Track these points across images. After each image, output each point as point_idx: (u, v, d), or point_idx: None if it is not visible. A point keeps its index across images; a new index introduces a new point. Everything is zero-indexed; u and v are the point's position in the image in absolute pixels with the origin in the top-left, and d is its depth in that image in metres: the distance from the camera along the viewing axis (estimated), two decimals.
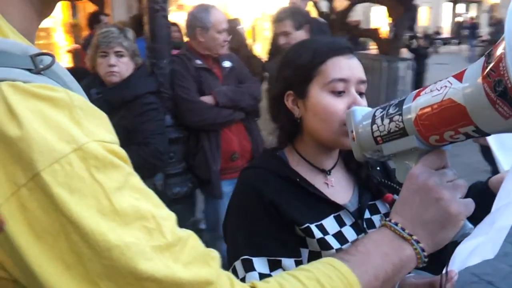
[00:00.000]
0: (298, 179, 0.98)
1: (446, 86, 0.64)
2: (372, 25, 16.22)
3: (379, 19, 18.38)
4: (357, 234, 0.97)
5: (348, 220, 0.98)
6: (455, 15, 25.52)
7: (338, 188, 1.04)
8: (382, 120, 0.74)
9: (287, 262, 0.90)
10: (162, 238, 0.50)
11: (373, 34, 8.83)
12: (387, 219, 0.69)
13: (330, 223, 0.95)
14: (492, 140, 1.10)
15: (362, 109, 0.86)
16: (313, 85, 0.98)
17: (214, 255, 0.56)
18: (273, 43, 4.31)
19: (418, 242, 0.65)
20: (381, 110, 0.76)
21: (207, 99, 2.45)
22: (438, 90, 0.65)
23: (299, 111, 1.01)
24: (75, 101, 0.50)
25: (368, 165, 1.06)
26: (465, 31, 20.45)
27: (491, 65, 0.55)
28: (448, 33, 25.10)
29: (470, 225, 0.68)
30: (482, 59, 0.59)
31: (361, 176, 1.06)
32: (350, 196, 1.04)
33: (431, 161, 0.68)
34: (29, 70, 0.50)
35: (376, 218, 1.02)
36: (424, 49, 9.50)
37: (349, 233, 0.96)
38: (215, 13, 2.50)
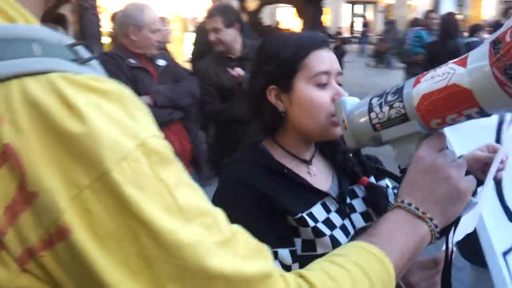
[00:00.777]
0: (285, 170, 1.00)
1: (449, 72, 0.69)
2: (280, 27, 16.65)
3: (285, 20, 18.98)
4: (342, 219, 1.01)
5: (332, 206, 1.02)
6: (353, 15, 27.14)
7: (320, 176, 1.08)
8: (381, 107, 0.78)
9: (283, 252, 0.92)
10: (221, 234, 0.49)
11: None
12: (399, 200, 0.72)
13: (318, 210, 0.99)
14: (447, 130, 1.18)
15: (351, 99, 0.90)
16: (297, 79, 1.00)
17: (265, 247, 0.55)
18: (198, 42, 4.29)
19: (431, 219, 0.69)
20: (377, 98, 0.80)
21: (145, 99, 2.37)
22: (441, 76, 0.70)
23: (283, 105, 1.02)
24: (124, 93, 0.47)
25: (343, 151, 1.11)
26: (359, 30, 21.82)
27: (501, 50, 0.61)
28: (348, 33, 26.58)
29: (474, 200, 0.74)
30: (486, 45, 0.64)
31: (337, 161, 1.10)
32: (331, 183, 1.08)
33: (434, 143, 0.73)
34: (73, 60, 0.46)
35: (355, 202, 1.07)
36: (341, 48, 10.04)
37: (336, 218, 1.00)
38: (149, 12, 2.44)
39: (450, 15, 6.13)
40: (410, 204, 0.71)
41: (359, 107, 0.84)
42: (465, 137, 1.15)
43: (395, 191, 1.14)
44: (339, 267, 0.60)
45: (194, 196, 0.49)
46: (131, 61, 2.42)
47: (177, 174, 0.48)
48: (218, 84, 2.73)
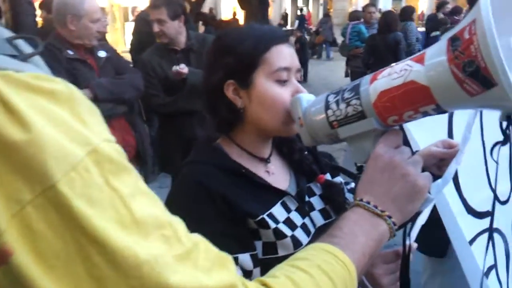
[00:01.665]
0: (243, 170, 0.96)
1: (406, 69, 0.69)
2: (222, 17, 16.56)
3: (228, 11, 18.88)
4: (302, 218, 0.99)
5: (292, 205, 0.99)
6: (296, 8, 27.46)
7: (278, 175, 1.05)
8: (338, 104, 0.77)
9: (244, 257, 0.88)
10: (181, 246, 0.46)
11: (230, 25, 9.04)
12: (358, 198, 0.72)
13: (278, 210, 0.96)
14: (410, 125, 1.18)
15: (307, 96, 0.88)
16: (257, 74, 0.96)
17: (227, 256, 0.53)
18: (138, 32, 4.15)
19: (390, 217, 0.69)
20: (334, 95, 0.79)
21: (84, 93, 2.24)
22: (398, 73, 0.70)
23: (241, 101, 0.98)
24: (73, 93, 0.42)
25: (300, 149, 1.09)
26: (296, 22, 22.22)
27: (459, 47, 0.61)
28: (291, 25, 26.90)
29: (431, 196, 0.74)
30: (444, 42, 0.64)
31: (294, 160, 1.08)
32: (289, 181, 1.06)
33: (391, 140, 0.73)
34: (13, 56, 0.40)
35: (313, 200, 1.06)
36: (303, 39, 10.26)
37: (296, 218, 0.98)
38: (89, 1, 2.30)
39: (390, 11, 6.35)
40: (369, 203, 0.70)
41: (315, 104, 0.82)
42: (421, 132, 1.17)
43: (348, 187, 1.14)
44: (303, 272, 0.58)
45: (151, 206, 0.45)
46: (69, 52, 2.28)
47: (132, 182, 0.44)
48: (162, 76, 2.65)
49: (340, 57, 8.96)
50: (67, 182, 0.37)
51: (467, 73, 0.60)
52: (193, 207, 0.90)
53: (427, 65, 0.66)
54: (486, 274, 1.33)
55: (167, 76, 2.62)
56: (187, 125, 2.58)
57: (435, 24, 7.59)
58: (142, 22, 3.99)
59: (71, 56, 2.28)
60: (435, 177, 0.96)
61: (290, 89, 0.96)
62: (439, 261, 2.09)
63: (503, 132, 0.67)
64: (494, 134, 1.45)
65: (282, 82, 0.96)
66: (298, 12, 23.55)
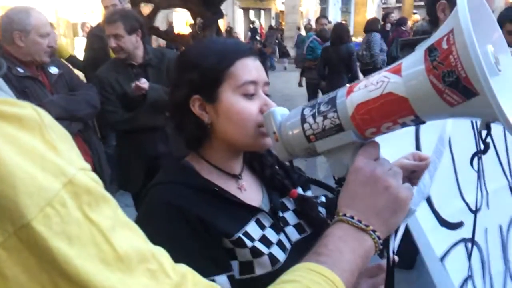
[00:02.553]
0: (216, 189, 0.93)
1: (383, 81, 0.68)
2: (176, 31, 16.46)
3: (181, 25, 18.77)
4: (277, 234, 0.97)
5: (267, 222, 0.97)
6: (249, 21, 27.72)
7: (250, 191, 1.03)
8: (314, 118, 0.75)
9: (221, 279, 0.85)
10: (168, 280, 0.43)
11: (184, 39, 8.96)
12: (341, 213, 0.70)
13: (253, 228, 0.93)
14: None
15: (281, 110, 0.86)
16: (223, 89, 0.93)
17: (216, 285, 0.49)
18: (91, 48, 4.03)
19: (374, 231, 0.68)
20: (310, 108, 0.77)
21: None
22: (375, 85, 0.69)
23: (208, 117, 0.95)
24: (44, 118, 0.38)
25: (271, 164, 1.07)
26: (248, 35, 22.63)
27: (438, 58, 0.60)
28: (244, 38, 27.15)
29: (413, 208, 0.73)
30: (421, 53, 0.64)
31: (266, 176, 1.06)
32: (261, 197, 1.04)
33: (370, 152, 0.72)
34: None
35: (287, 215, 1.04)
36: (263, 50, 10.38)
37: (271, 234, 0.96)
38: (36, 15, 2.20)
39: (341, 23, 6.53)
40: (352, 217, 0.69)
41: (290, 118, 0.80)
42: (389, 145, 1.17)
43: (318, 201, 1.13)
44: None
45: (132, 238, 0.42)
46: (19, 70, 2.17)
47: (111, 213, 0.40)
48: (120, 92, 2.58)
49: (294, 68, 9.12)
50: (42, 220, 0.34)
51: (447, 83, 0.60)
52: (166, 230, 0.86)
53: (405, 76, 0.65)
54: (461, 286, 1.35)
55: (126, 92, 2.55)
56: (149, 142, 2.51)
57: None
58: (95, 38, 3.89)
59: (21, 74, 2.17)
60: None
61: (258, 102, 0.95)
62: (406, 272, 2.12)
63: (483, 141, 0.68)
64: (463, 144, 1.50)
65: (249, 96, 0.94)
66: (251, 25, 23.96)
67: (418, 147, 1.26)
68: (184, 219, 0.85)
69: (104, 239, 0.38)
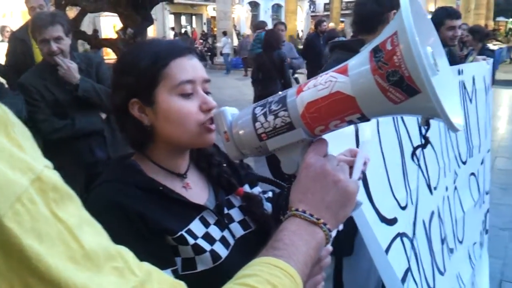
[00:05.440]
0: (160, 187, 0.94)
1: (331, 81, 0.72)
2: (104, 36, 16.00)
3: (108, 29, 18.25)
4: (222, 231, 1.00)
5: (211, 219, 0.99)
6: (180, 26, 27.45)
7: (196, 189, 1.04)
8: (266, 116, 0.78)
9: (166, 274, 0.85)
10: (134, 277, 0.43)
11: (113, 44, 8.69)
12: (294, 208, 0.73)
13: (197, 226, 0.96)
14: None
15: (231, 109, 0.87)
16: (160, 90, 0.94)
17: (181, 282, 0.50)
18: (13, 53, 3.81)
19: (325, 224, 0.71)
20: (261, 107, 0.79)
21: None
22: (323, 85, 0.73)
23: (148, 119, 0.96)
24: (8, 115, 0.37)
25: (218, 163, 1.09)
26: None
27: (382, 58, 0.65)
28: None
29: (359, 201, 0.78)
30: (366, 54, 0.69)
31: (213, 174, 1.08)
32: (207, 195, 1.06)
33: (319, 149, 0.76)
34: None
35: (232, 212, 1.06)
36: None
37: (215, 231, 0.99)
38: None
39: (273, 30, 6.70)
40: (304, 212, 0.72)
41: (241, 117, 0.82)
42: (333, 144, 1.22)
43: (265, 196, 1.16)
44: None
45: (98, 236, 0.42)
46: None
47: (77, 211, 0.40)
48: (50, 99, 2.46)
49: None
50: (13, 216, 0.33)
51: (391, 82, 0.65)
52: (109, 227, 0.85)
53: (351, 76, 0.70)
54: (404, 278, 1.43)
55: (57, 99, 2.44)
56: (86, 149, 2.41)
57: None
58: (18, 42, 3.68)
59: None
60: None
61: (197, 101, 0.96)
62: (345, 259, 2.20)
63: (424, 136, 0.73)
64: (391, 145, 1.59)
65: (187, 95, 0.95)
66: (173, 31, 24.01)
67: (357, 144, 1.33)
68: (127, 217, 0.86)
69: (72, 237, 0.38)
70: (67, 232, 0.37)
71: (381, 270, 1.41)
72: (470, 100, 2.64)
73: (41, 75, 2.53)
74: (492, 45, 17.45)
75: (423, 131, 0.73)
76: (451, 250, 2.17)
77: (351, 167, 1.05)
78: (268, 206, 1.14)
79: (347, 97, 0.70)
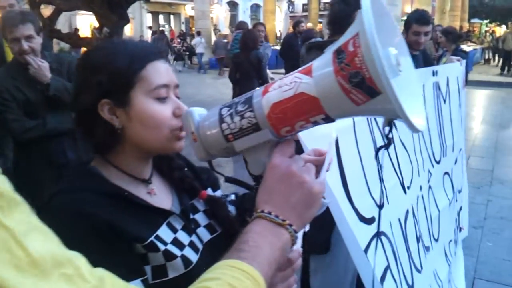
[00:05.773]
0: (126, 193, 0.92)
1: (295, 82, 0.72)
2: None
3: (85, 28, 17.96)
4: (189, 236, 0.98)
5: (178, 225, 0.98)
6: (158, 25, 27.20)
7: (160, 194, 1.02)
8: (232, 117, 0.77)
9: (135, 284, 0.83)
10: (85, 284, 0.42)
11: (89, 43, 8.56)
12: (259, 210, 0.72)
13: (165, 232, 0.94)
14: (301, 134, 1.22)
15: (199, 110, 0.87)
16: (135, 92, 0.92)
17: (134, 286, 0.49)
18: None
19: (291, 225, 0.71)
20: (227, 108, 0.79)
21: None
22: (288, 85, 0.73)
23: (119, 121, 0.92)
24: None
25: (180, 166, 1.08)
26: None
27: (344, 60, 0.65)
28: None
29: (325, 201, 0.78)
30: (329, 55, 0.69)
31: (175, 178, 1.07)
32: (172, 200, 1.04)
33: (285, 150, 0.76)
34: None
35: (198, 217, 1.05)
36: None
37: (183, 237, 0.97)
38: None
39: (250, 30, 6.71)
40: (270, 213, 0.71)
41: (208, 118, 0.82)
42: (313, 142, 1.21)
43: (228, 199, 1.16)
44: None
45: (47, 242, 0.41)
46: None
47: (24, 217, 0.39)
48: (21, 99, 2.41)
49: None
50: None
51: (353, 84, 0.65)
52: (75, 240, 0.81)
53: (315, 77, 0.70)
54: (383, 276, 1.44)
55: (28, 98, 2.39)
56: (58, 149, 2.37)
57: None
58: None
59: None
60: None
61: (171, 106, 0.95)
62: (321, 257, 2.21)
63: (386, 136, 0.74)
64: (367, 144, 1.60)
65: (162, 100, 0.93)
66: (150, 29, 23.88)
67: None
68: (93, 228, 0.82)
69: (17, 244, 0.37)
70: (12, 240, 0.37)
71: (360, 268, 1.42)
72: (444, 101, 2.69)
73: (12, 74, 2.48)
74: (467, 47, 17.84)
75: (386, 132, 0.73)
76: (427, 248, 2.20)
77: (316, 167, 1.06)
78: (231, 209, 1.14)
79: (311, 98, 0.70)
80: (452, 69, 2.98)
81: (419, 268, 1.99)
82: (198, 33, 19.16)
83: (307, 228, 0.96)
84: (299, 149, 1.13)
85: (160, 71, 0.95)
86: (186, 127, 0.84)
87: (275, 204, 0.72)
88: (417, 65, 2.58)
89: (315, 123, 0.74)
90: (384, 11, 0.72)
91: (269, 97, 0.74)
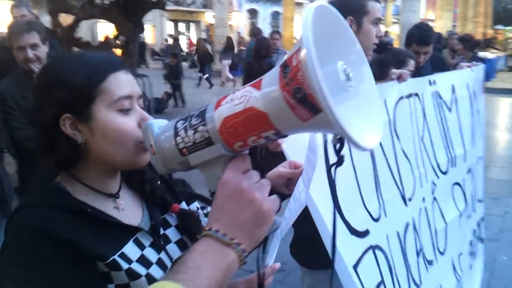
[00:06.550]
0: (90, 210, 0.89)
1: (246, 96, 0.70)
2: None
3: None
4: (158, 253, 0.95)
5: (146, 241, 0.95)
6: (178, 33, 27.50)
7: (129, 210, 0.99)
8: (186, 131, 0.75)
9: None
10: None
11: (106, 51, 8.69)
12: (208, 228, 0.70)
13: (131, 249, 0.91)
14: (284, 145, 1.18)
15: (159, 122, 0.85)
16: (96, 106, 0.90)
17: None
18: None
19: (239, 244, 0.68)
20: (182, 121, 0.77)
21: None
22: (239, 99, 0.70)
23: (81, 136, 0.90)
24: None
25: (151, 179, 1.05)
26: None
27: (289, 74, 0.63)
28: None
29: (278, 219, 0.75)
30: (277, 69, 0.66)
31: (146, 192, 1.04)
32: (141, 216, 1.01)
33: (238, 166, 0.73)
34: None
35: (169, 232, 1.02)
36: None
37: (151, 254, 0.94)
38: None
39: (264, 38, 6.71)
40: (217, 231, 0.69)
41: (165, 131, 0.80)
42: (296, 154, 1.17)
43: (205, 211, 1.13)
44: None
45: None
46: None
47: None
48: (26, 107, 2.44)
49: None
50: None
51: (297, 99, 0.62)
52: (33, 257, 0.80)
53: (263, 91, 0.67)
54: None
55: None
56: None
57: None
58: (3, 51, 3.67)
59: None
60: (286, 196, 0.99)
61: (135, 117, 0.93)
62: (322, 273, 2.16)
63: (337, 153, 0.70)
64: (362, 156, 1.56)
65: (125, 111, 0.91)
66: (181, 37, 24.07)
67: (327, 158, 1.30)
68: (53, 245, 0.80)
69: None
70: None
71: (344, 284, 1.38)
72: (449, 109, 2.61)
73: (17, 83, 2.52)
74: (490, 53, 17.46)
75: (337, 149, 0.69)
76: (429, 262, 2.13)
77: (290, 179, 1.03)
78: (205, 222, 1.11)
79: (259, 113, 0.67)
80: (458, 76, 2.89)
81: (418, 283, 1.92)
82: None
83: None
84: (284, 161, 1.11)
85: (122, 82, 0.92)
86: (145, 140, 0.82)
87: (224, 222, 0.70)
88: (424, 74, 2.52)
89: (268, 138, 0.71)
90: (337, 20, 0.69)
91: (221, 110, 0.72)
